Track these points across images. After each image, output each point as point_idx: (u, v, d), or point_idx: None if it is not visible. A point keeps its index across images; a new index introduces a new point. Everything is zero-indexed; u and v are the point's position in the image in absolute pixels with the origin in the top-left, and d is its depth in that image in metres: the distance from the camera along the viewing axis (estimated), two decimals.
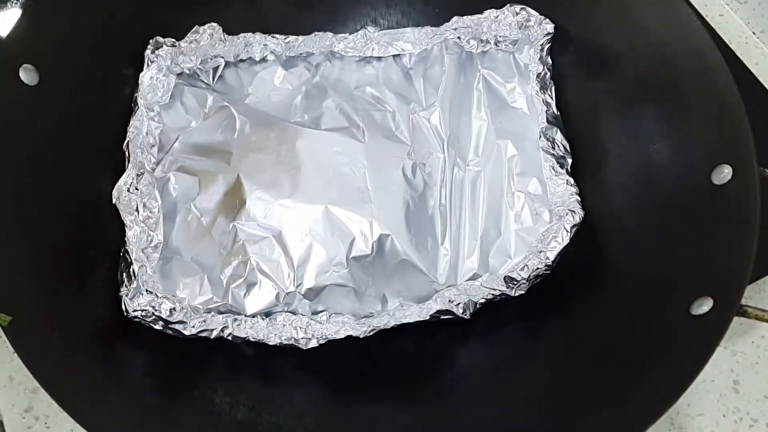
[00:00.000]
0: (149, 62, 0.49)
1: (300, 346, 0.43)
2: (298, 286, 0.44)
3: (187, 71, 0.50)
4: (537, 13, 0.51)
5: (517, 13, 0.51)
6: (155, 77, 0.49)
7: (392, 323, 0.43)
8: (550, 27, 0.51)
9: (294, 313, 0.44)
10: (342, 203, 0.46)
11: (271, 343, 0.43)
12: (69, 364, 0.39)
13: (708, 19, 0.64)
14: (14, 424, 0.46)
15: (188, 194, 0.47)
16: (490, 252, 0.47)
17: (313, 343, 0.43)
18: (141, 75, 0.48)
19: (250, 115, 0.50)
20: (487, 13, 0.52)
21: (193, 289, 0.44)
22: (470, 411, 0.43)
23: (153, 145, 0.48)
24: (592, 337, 0.44)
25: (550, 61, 0.51)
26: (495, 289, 0.44)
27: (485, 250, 0.47)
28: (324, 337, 0.43)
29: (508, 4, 0.52)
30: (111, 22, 0.48)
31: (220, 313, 0.44)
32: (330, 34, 0.52)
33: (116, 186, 0.46)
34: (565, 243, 0.45)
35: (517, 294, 0.44)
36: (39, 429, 0.46)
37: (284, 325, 0.43)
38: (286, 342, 0.43)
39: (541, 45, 0.51)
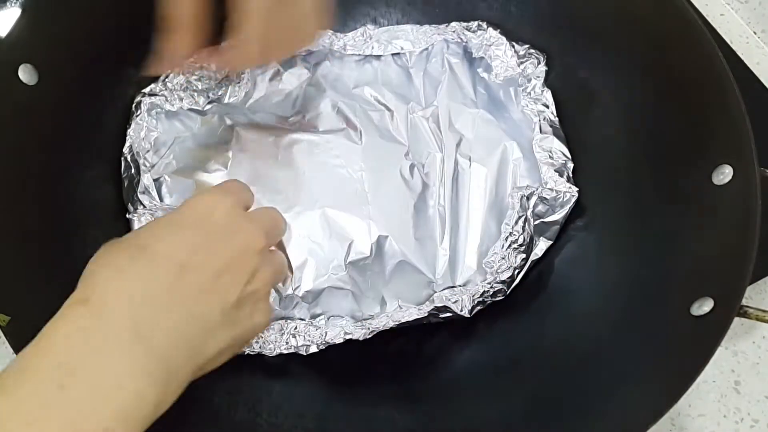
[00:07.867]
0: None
1: (300, 352, 0.43)
2: (296, 290, 0.44)
3: None
4: (534, 53, 0.50)
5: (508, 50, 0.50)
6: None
7: (391, 323, 0.43)
8: (542, 66, 0.50)
9: (292, 318, 0.44)
10: (339, 206, 0.46)
11: (271, 355, 0.43)
12: None
13: (708, 19, 0.64)
14: None
15: (185, 198, 0.47)
16: (490, 252, 0.47)
17: (313, 349, 0.43)
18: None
19: (247, 118, 0.49)
20: (479, 33, 0.51)
21: None
22: (470, 411, 0.43)
23: (150, 148, 0.47)
24: (592, 336, 0.44)
25: (545, 69, 0.50)
26: (494, 289, 0.44)
27: (484, 251, 0.47)
28: (324, 342, 0.43)
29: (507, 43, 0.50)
30: (111, 21, 0.48)
31: None
32: (329, 32, 0.51)
33: (124, 189, 0.46)
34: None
35: (516, 294, 0.44)
36: None
37: (283, 333, 0.43)
38: (285, 351, 0.43)
39: (536, 73, 0.50)
